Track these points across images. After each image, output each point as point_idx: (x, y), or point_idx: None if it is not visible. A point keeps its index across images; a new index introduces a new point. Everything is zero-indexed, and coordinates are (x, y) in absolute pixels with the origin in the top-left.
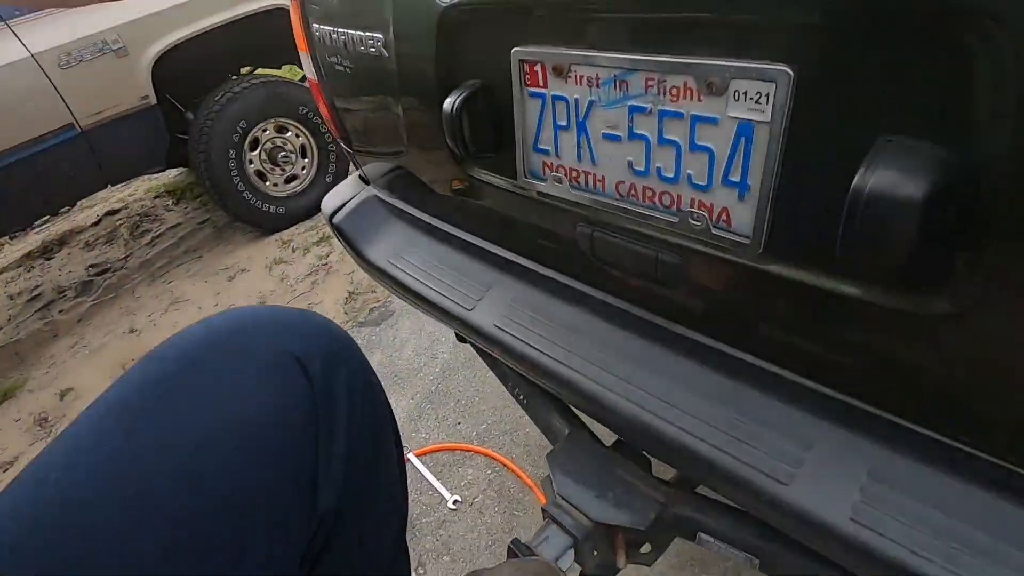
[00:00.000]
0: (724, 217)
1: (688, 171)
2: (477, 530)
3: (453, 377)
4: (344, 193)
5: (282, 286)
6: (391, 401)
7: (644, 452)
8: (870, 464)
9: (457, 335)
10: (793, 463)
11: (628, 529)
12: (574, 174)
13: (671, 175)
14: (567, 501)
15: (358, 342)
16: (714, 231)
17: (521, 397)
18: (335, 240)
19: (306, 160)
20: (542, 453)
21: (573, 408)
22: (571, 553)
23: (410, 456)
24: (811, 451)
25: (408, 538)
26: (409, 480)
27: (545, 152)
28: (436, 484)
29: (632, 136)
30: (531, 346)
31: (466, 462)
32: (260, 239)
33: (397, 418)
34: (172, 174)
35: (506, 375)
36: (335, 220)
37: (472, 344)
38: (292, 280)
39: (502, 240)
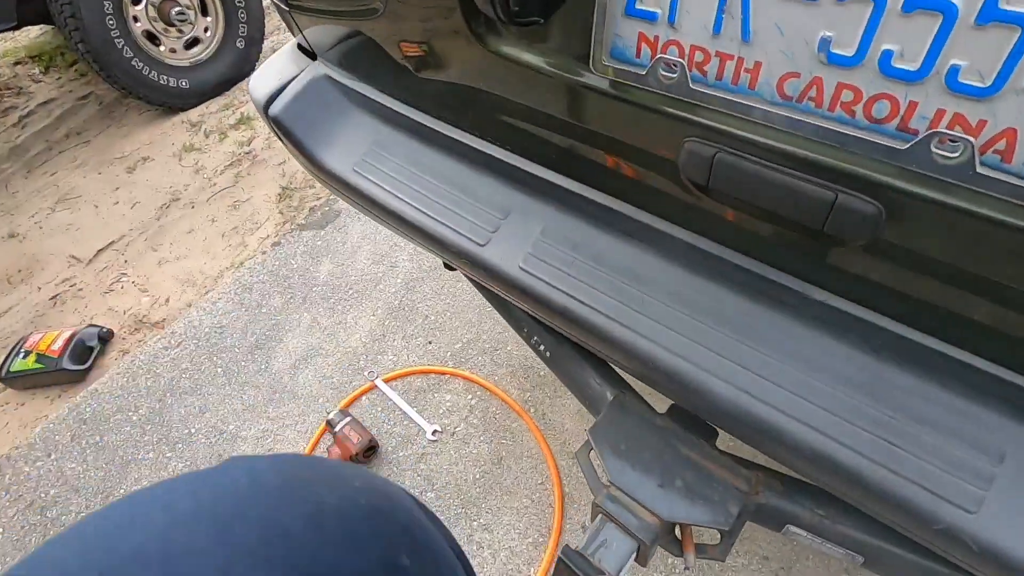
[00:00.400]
0: (1006, 146)
1: (955, 61)
2: (462, 462)
3: (418, 288)
4: (282, 71)
5: (197, 180)
6: (348, 319)
7: (716, 425)
8: None
9: (445, 262)
10: (980, 482)
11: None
12: (701, 58)
13: (913, 66)
14: (626, 493)
15: (300, 249)
16: (979, 169)
17: (543, 349)
18: (260, 122)
19: (208, 19)
20: (528, 374)
21: (615, 367)
22: (633, 558)
23: (378, 382)
24: (1003, 465)
25: (385, 474)
26: (380, 410)
27: (648, 17)
28: (411, 413)
29: None
30: (575, 298)
31: (442, 387)
32: (161, 120)
33: (359, 340)
34: (32, 33)
35: (520, 321)
36: (273, 111)
37: (470, 278)
38: (209, 172)
39: (530, 149)
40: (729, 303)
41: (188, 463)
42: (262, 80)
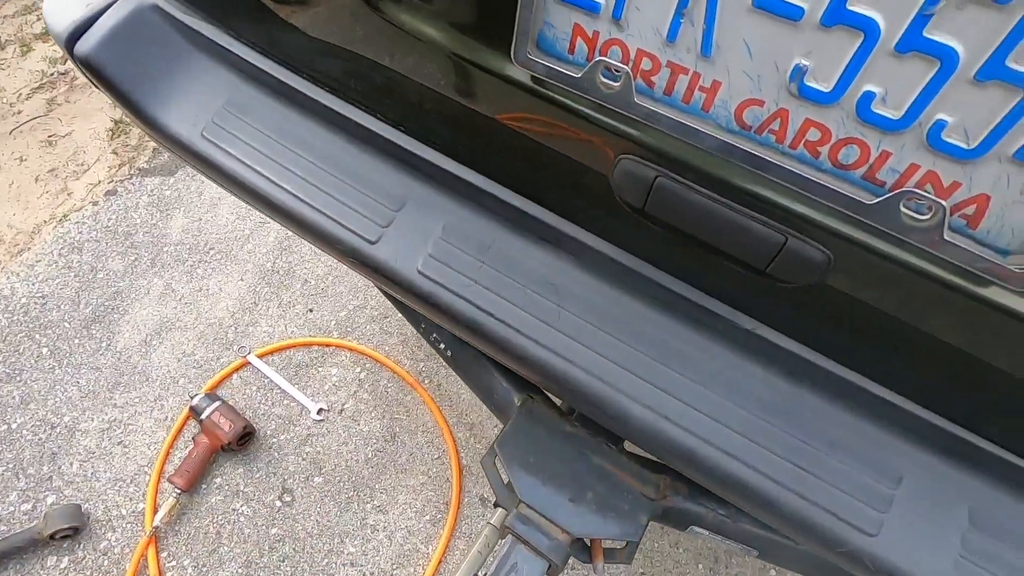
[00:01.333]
0: (975, 211)
1: (943, 116)
2: (352, 442)
3: (295, 249)
4: None
5: None
6: (211, 285)
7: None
8: (972, 503)
9: None
10: (880, 504)
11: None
12: (649, 66)
13: (895, 114)
14: (537, 512)
15: (143, 199)
16: (947, 234)
17: (444, 348)
18: None
19: None
20: (421, 343)
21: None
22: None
23: (250, 358)
24: (900, 487)
25: (265, 461)
26: (255, 389)
27: (589, 8)
28: (292, 391)
29: (838, 16)
30: (484, 310)
31: (327, 360)
32: None
33: (225, 309)
34: None
35: (418, 317)
36: (82, 51)
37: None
38: (10, 96)
39: (430, 134)
40: (653, 323)
41: (10, 466)
42: (60, 4)
